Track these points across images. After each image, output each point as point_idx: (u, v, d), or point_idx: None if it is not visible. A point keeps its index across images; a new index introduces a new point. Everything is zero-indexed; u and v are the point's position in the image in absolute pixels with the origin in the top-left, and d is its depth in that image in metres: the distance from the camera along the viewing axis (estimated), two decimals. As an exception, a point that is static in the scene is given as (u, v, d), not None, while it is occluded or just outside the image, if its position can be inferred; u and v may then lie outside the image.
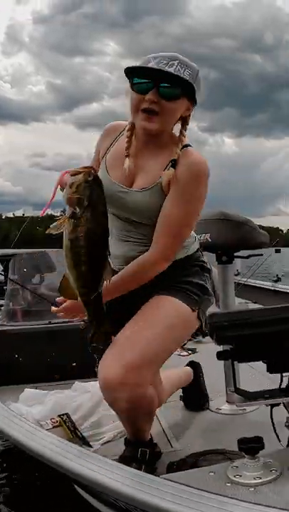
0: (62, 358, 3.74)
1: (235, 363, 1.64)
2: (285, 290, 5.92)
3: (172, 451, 2.69)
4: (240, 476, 1.44)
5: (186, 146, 2.24)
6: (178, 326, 2.20)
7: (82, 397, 2.95)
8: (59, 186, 2.08)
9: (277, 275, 7.10)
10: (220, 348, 1.66)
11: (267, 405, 1.63)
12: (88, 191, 1.74)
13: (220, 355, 1.62)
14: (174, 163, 2.17)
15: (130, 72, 2.17)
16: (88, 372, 3.38)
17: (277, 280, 6.75)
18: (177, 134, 2.27)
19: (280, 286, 6.14)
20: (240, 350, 1.60)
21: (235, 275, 3.09)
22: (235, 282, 3.37)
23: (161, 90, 2.09)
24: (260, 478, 1.42)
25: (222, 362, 1.77)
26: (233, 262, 3.18)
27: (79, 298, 1.86)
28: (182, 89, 2.13)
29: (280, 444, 1.76)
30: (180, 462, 2.29)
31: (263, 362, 1.63)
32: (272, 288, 6.17)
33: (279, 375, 1.68)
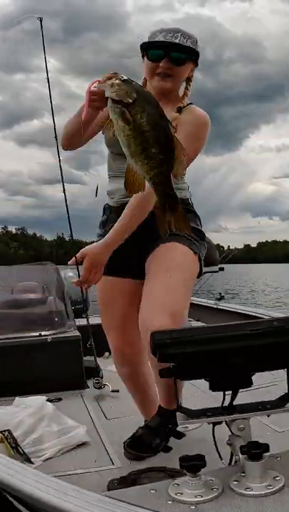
0: (3, 374, 3.71)
1: (178, 380, 1.64)
2: (227, 308, 5.97)
3: (114, 468, 2.68)
4: (182, 493, 1.44)
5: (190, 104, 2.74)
6: (191, 270, 2.63)
7: (23, 413, 2.93)
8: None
9: (220, 293, 7.16)
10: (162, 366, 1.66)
11: (209, 423, 1.64)
12: (130, 84, 1.84)
13: (162, 373, 1.63)
14: (179, 110, 2.66)
15: (144, 47, 2.65)
16: (29, 388, 3.36)
17: (221, 298, 6.81)
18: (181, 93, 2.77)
19: (223, 305, 6.19)
20: (182, 368, 1.60)
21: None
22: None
23: (172, 57, 2.58)
24: (202, 496, 1.42)
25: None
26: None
27: (149, 183, 1.90)
28: (187, 55, 2.62)
29: (222, 462, 1.77)
30: (121, 479, 2.28)
31: (206, 380, 1.64)
32: (215, 306, 6.22)
33: (221, 393, 1.69)
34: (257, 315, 5.46)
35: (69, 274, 6.33)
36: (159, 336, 1.59)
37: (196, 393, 3.41)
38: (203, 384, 1.66)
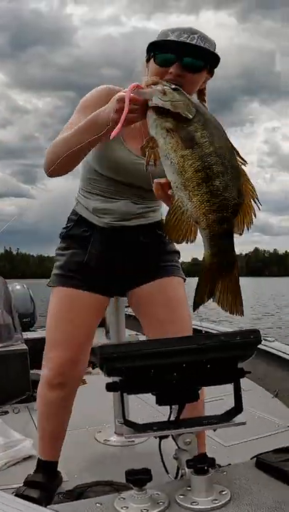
0: None
1: (125, 394, 1.64)
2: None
3: (60, 482, 2.66)
4: (127, 507, 1.44)
5: None
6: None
7: None
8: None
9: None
10: (109, 380, 1.66)
11: (156, 437, 1.64)
12: (185, 95, 1.69)
13: (109, 387, 1.62)
14: None
15: (151, 48, 2.18)
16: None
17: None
18: None
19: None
20: (129, 382, 1.60)
21: (126, 307, 3.11)
22: (126, 314, 3.39)
23: (186, 62, 2.11)
24: (147, 510, 1.42)
25: (111, 393, 1.78)
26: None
27: (202, 231, 1.58)
28: (204, 61, 2.17)
29: (168, 476, 1.77)
30: (67, 493, 2.27)
31: (152, 394, 1.64)
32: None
33: (168, 407, 1.70)
34: (205, 329, 5.50)
35: (16, 287, 6.30)
36: (106, 349, 1.59)
37: (143, 407, 3.42)
38: (150, 398, 1.66)
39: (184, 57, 2.10)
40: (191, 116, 1.62)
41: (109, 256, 2.49)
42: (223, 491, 1.49)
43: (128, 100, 1.69)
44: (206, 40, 2.13)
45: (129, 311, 3.04)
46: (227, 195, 1.55)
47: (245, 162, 1.67)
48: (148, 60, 2.21)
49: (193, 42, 2.08)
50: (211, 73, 2.27)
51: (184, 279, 2.61)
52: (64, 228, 2.63)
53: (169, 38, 2.10)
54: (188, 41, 2.07)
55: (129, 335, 3.54)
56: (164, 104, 1.63)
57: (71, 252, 2.54)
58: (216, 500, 1.45)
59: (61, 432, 2.64)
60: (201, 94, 2.33)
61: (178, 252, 2.64)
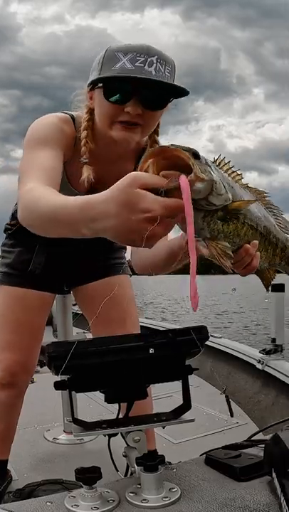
0: None
1: (73, 392, 1.63)
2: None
3: (9, 481, 2.64)
4: (78, 506, 1.43)
5: None
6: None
7: None
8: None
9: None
10: (58, 378, 1.65)
11: (105, 435, 1.64)
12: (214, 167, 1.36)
13: (57, 386, 1.61)
14: None
15: (99, 80, 1.82)
16: None
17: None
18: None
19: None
20: (77, 380, 1.59)
21: (74, 305, 3.10)
22: (73, 312, 3.38)
23: (144, 98, 1.78)
24: (98, 508, 1.41)
25: (60, 392, 1.77)
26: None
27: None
28: (166, 95, 1.84)
29: (118, 474, 1.77)
30: (17, 492, 2.25)
31: (101, 392, 1.64)
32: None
33: (117, 404, 1.70)
34: (152, 326, 5.51)
35: None
36: (54, 348, 1.57)
37: (92, 405, 3.41)
38: (98, 396, 1.65)
39: (143, 92, 1.77)
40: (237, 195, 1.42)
41: (55, 260, 2.45)
42: (173, 488, 1.49)
43: (188, 205, 1.17)
44: (167, 63, 1.77)
45: (76, 309, 3.03)
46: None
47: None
48: (92, 89, 1.90)
49: (152, 67, 1.73)
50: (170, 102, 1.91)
51: (130, 276, 2.59)
52: (9, 224, 2.52)
53: (119, 65, 1.73)
54: (146, 67, 1.72)
55: (76, 333, 3.53)
56: (224, 199, 1.33)
57: (18, 250, 2.47)
58: (166, 497, 1.45)
59: (11, 431, 2.58)
60: (155, 130, 2.02)
61: (124, 248, 2.60)
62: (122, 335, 1.69)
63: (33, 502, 1.54)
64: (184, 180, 1.18)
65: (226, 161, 1.46)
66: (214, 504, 1.41)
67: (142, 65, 1.71)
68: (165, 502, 1.43)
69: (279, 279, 1.81)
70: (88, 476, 1.47)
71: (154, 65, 1.72)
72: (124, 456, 1.66)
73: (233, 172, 1.49)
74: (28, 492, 2.27)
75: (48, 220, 1.48)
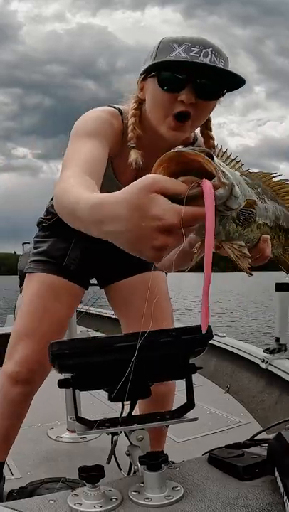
0: None
1: (77, 391, 1.63)
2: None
3: (12, 478, 2.66)
4: (81, 504, 1.43)
5: None
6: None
7: None
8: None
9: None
10: (61, 376, 1.65)
11: (108, 434, 1.64)
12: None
13: (61, 384, 1.61)
14: None
15: (153, 68, 1.78)
16: None
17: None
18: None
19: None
20: (81, 379, 1.60)
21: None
22: (77, 310, 3.38)
23: (200, 87, 1.73)
24: (101, 506, 1.41)
25: (63, 390, 1.77)
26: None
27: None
28: (222, 85, 1.79)
29: (121, 473, 1.77)
30: (20, 490, 2.25)
31: (105, 390, 1.64)
32: (114, 316, 6.27)
33: (120, 403, 1.70)
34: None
35: None
36: (58, 346, 1.58)
37: (95, 403, 3.42)
38: (102, 394, 1.66)
39: (198, 80, 1.73)
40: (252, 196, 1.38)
41: (91, 256, 2.42)
42: (176, 487, 1.49)
43: (211, 226, 1.05)
44: (221, 56, 1.75)
45: (80, 307, 3.03)
46: None
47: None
48: (144, 79, 1.87)
49: (207, 58, 1.70)
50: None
51: (166, 273, 2.53)
52: (43, 218, 2.48)
53: (174, 54, 1.71)
54: (201, 57, 1.70)
55: (80, 331, 3.53)
56: (241, 200, 1.27)
57: (54, 239, 2.43)
58: (169, 496, 1.45)
59: (15, 432, 2.48)
60: (207, 125, 2.01)
61: None
62: (126, 333, 1.70)
63: (35, 500, 1.54)
64: (208, 186, 1.06)
65: (223, 151, 1.40)
66: (217, 503, 1.41)
67: (197, 55, 1.69)
68: (168, 501, 1.43)
69: (284, 279, 1.81)
70: (91, 474, 1.47)
71: (209, 56, 1.70)
72: (127, 454, 1.66)
73: (232, 161, 1.42)
74: (31, 490, 2.27)
75: (67, 213, 1.42)
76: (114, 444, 1.71)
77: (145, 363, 1.59)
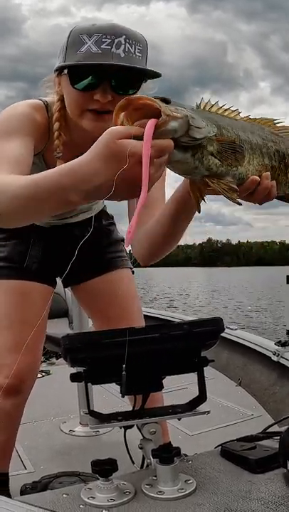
0: None
1: (89, 384, 1.63)
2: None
3: (26, 473, 2.66)
4: (94, 498, 1.44)
5: None
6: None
7: None
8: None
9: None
10: (73, 370, 1.65)
11: (120, 427, 1.64)
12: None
13: (73, 378, 1.61)
14: None
15: (64, 67, 1.72)
16: None
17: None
18: None
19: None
20: (93, 372, 1.60)
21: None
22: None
23: (114, 83, 1.68)
24: (114, 500, 1.42)
25: (76, 384, 1.77)
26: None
27: None
28: (138, 76, 1.73)
29: (134, 466, 1.77)
30: (33, 484, 2.26)
31: (117, 384, 1.64)
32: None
33: (132, 396, 1.70)
34: (168, 318, 5.51)
35: None
36: (69, 340, 1.58)
37: (108, 397, 3.42)
38: (114, 388, 1.66)
39: (112, 76, 1.67)
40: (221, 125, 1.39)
41: (51, 256, 2.33)
42: (188, 480, 1.50)
43: (147, 154, 1.15)
44: (137, 41, 1.68)
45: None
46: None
47: None
48: (59, 75, 1.80)
49: (121, 49, 1.63)
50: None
51: (132, 270, 2.47)
52: None
53: (84, 49, 1.64)
54: (113, 49, 1.62)
55: (92, 325, 3.54)
56: (206, 131, 1.32)
57: (14, 242, 2.29)
58: (182, 489, 1.45)
59: (13, 442, 2.32)
60: None
61: (123, 240, 2.48)
62: (138, 327, 1.70)
63: (49, 494, 1.55)
64: (151, 122, 1.17)
65: (213, 103, 1.44)
66: (230, 496, 1.41)
67: (109, 47, 1.62)
68: (181, 494, 1.43)
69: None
70: (104, 468, 1.48)
71: (123, 45, 1.63)
72: (140, 448, 1.66)
73: (226, 110, 1.47)
74: (45, 484, 2.28)
75: (25, 200, 1.36)
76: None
77: (157, 356, 1.59)
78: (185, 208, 1.63)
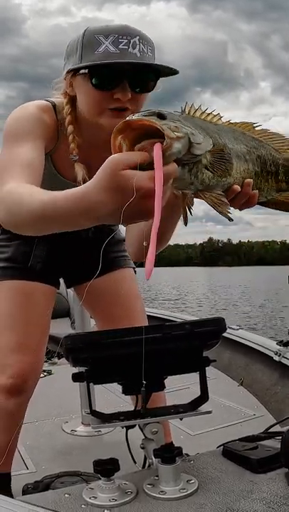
0: None
1: (91, 384, 1.63)
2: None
3: (27, 472, 2.66)
4: (96, 497, 1.44)
5: None
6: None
7: None
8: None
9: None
10: (75, 370, 1.65)
11: (122, 427, 1.64)
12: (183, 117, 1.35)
13: (75, 377, 1.61)
14: None
15: (84, 67, 1.72)
16: None
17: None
18: None
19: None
20: (95, 372, 1.60)
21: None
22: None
23: (133, 82, 1.72)
24: (116, 500, 1.42)
25: (78, 384, 1.76)
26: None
27: None
28: (155, 76, 1.78)
29: (136, 466, 1.77)
30: (35, 484, 2.26)
31: (119, 383, 1.64)
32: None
33: (134, 396, 1.70)
34: (169, 318, 5.51)
35: None
36: (71, 340, 1.58)
37: (110, 397, 3.42)
38: (116, 387, 1.66)
39: (131, 75, 1.71)
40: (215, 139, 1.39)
41: (56, 256, 2.32)
42: (190, 480, 1.50)
43: (160, 187, 1.13)
44: (148, 42, 1.74)
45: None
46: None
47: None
48: (74, 75, 1.80)
49: (137, 49, 1.69)
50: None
51: (134, 269, 2.47)
52: None
53: (102, 49, 1.68)
54: (130, 49, 1.68)
55: (94, 325, 3.54)
56: (205, 146, 1.31)
57: (18, 242, 2.27)
58: (184, 489, 1.45)
59: (15, 442, 2.31)
60: None
61: (124, 240, 2.43)
62: (139, 326, 1.70)
63: (51, 494, 1.55)
64: (157, 148, 1.16)
65: (196, 107, 1.44)
66: (232, 496, 1.41)
67: (126, 47, 1.67)
68: (183, 494, 1.44)
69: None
70: (106, 467, 1.48)
71: (138, 46, 1.68)
72: (141, 447, 1.66)
73: (208, 115, 1.46)
74: (46, 484, 2.27)
75: (36, 219, 1.43)
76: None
77: (159, 356, 1.59)
78: (172, 209, 1.63)
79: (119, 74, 1.69)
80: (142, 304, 2.46)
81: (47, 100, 1.94)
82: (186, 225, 1.46)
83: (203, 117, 1.45)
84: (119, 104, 1.73)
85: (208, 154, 1.34)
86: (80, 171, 1.86)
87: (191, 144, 1.26)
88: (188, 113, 1.42)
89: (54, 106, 1.92)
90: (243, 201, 1.50)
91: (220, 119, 1.50)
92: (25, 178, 1.62)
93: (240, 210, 1.54)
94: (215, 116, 1.48)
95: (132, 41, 1.67)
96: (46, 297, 2.28)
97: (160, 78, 1.82)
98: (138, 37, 1.69)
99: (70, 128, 1.87)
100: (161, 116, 1.23)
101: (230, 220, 1.40)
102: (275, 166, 1.60)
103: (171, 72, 1.79)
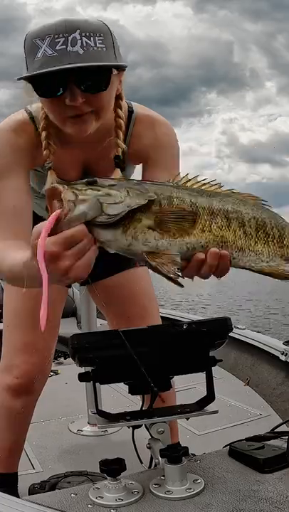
0: None
1: (97, 384, 1.63)
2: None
3: (34, 472, 2.66)
4: (102, 497, 1.44)
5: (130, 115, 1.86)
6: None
7: None
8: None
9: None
10: (82, 370, 1.65)
11: (129, 427, 1.64)
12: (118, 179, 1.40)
13: (82, 377, 1.62)
14: (118, 161, 1.78)
15: (25, 78, 1.58)
16: None
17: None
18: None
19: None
20: (102, 372, 1.60)
21: (98, 296, 3.08)
22: (97, 303, 3.37)
23: (81, 84, 1.54)
24: (122, 499, 1.42)
25: (84, 383, 1.76)
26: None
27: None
28: (106, 73, 1.59)
29: (142, 466, 1.77)
30: (42, 484, 2.26)
31: (125, 383, 1.64)
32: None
33: (140, 396, 1.70)
34: (176, 318, 5.50)
35: None
36: (78, 339, 1.58)
37: (116, 397, 3.42)
38: (123, 387, 1.66)
39: (80, 77, 1.54)
40: (154, 196, 1.32)
41: None
42: (196, 480, 1.50)
43: (42, 262, 1.19)
44: (94, 32, 1.52)
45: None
46: None
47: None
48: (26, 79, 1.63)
49: (78, 45, 1.48)
50: (122, 68, 1.69)
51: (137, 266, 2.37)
52: None
53: (40, 54, 1.51)
54: (69, 47, 1.48)
55: (100, 324, 3.53)
56: (124, 205, 1.27)
57: None
58: (190, 488, 1.45)
59: (23, 442, 2.33)
60: (117, 100, 1.78)
61: None
62: (146, 327, 1.70)
63: (57, 494, 1.55)
64: (51, 217, 1.22)
65: (201, 179, 1.44)
66: (238, 495, 1.41)
67: (64, 46, 1.48)
68: (189, 493, 1.44)
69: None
70: (112, 467, 1.48)
71: (79, 41, 1.48)
72: (148, 447, 1.66)
73: (204, 184, 1.43)
74: (53, 484, 2.27)
75: (15, 281, 1.63)
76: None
77: (165, 356, 1.59)
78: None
79: (61, 79, 1.53)
80: (157, 304, 2.41)
81: (25, 109, 1.86)
82: (182, 287, 1.39)
83: (196, 185, 1.44)
84: (75, 110, 1.60)
85: (154, 214, 1.31)
86: (49, 178, 1.78)
87: (102, 204, 1.25)
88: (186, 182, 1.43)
89: (32, 117, 1.83)
90: (214, 267, 1.42)
91: (219, 187, 1.46)
92: (12, 228, 1.71)
93: (219, 278, 1.48)
94: (205, 184, 1.45)
95: (70, 38, 1.48)
96: (56, 297, 2.23)
97: (121, 71, 1.69)
98: (78, 30, 1.49)
99: (43, 134, 1.78)
100: (90, 183, 1.28)
101: (181, 286, 1.37)
102: (277, 229, 1.50)
103: (117, 66, 1.63)
